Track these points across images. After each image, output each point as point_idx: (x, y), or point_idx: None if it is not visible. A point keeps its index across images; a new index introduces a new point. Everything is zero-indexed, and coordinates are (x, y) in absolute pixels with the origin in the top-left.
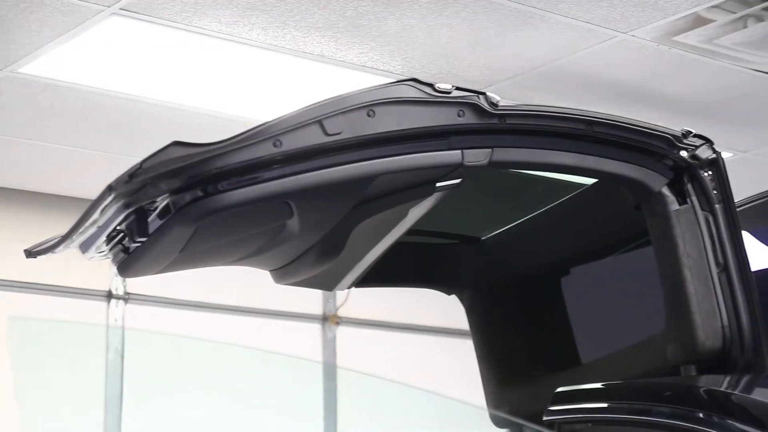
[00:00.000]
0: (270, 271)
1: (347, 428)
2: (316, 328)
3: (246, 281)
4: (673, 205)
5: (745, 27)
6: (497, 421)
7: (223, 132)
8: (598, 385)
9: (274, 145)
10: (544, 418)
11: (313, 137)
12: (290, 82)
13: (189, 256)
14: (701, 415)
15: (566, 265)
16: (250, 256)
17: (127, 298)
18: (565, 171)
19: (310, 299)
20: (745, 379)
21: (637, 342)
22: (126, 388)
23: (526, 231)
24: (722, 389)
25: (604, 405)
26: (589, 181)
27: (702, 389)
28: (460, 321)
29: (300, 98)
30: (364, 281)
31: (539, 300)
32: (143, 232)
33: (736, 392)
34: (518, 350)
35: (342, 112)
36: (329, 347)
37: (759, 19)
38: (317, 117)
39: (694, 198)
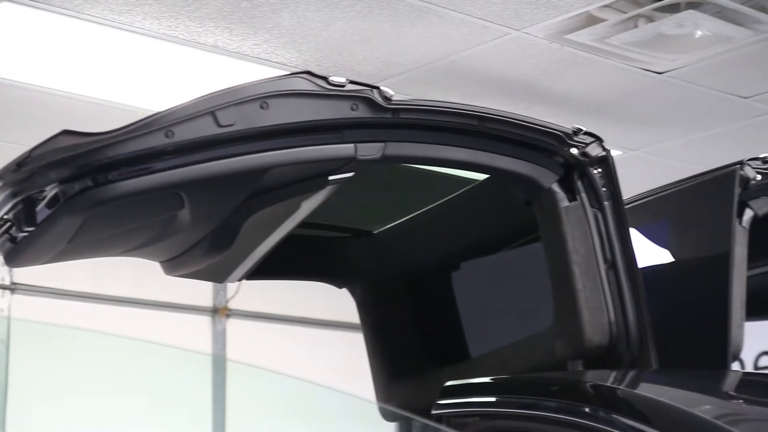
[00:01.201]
0: (160, 262)
1: (235, 421)
2: (205, 320)
3: (136, 272)
4: (563, 201)
5: (635, 27)
6: (386, 415)
7: (115, 122)
8: (487, 379)
9: (166, 136)
10: (433, 412)
11: (206, 128)
12: (184, 73)
13: (78, 246)
14: (587, 409)
15: (457, 259)
16: (140, 247)
17: (13, 288)
18: (457, 166)
19: (201, 291)
20: (630, 375)
21: (526, 337)
22: (11, 379)
23: (418, 225)
24: (608, 384)
25: (492, 399)
26: (481, 176)
27: (588, 384)
28: (351, 314)
29: (193, 89)
30: (256, 273)
31: (430, 294)
32: (31, 221)
33: (621, 387)
34: (408, 344)
35: (235, 104)
36: (219, 339)
37: (649, 19)
38: (210, 108)
39: (583, 195)
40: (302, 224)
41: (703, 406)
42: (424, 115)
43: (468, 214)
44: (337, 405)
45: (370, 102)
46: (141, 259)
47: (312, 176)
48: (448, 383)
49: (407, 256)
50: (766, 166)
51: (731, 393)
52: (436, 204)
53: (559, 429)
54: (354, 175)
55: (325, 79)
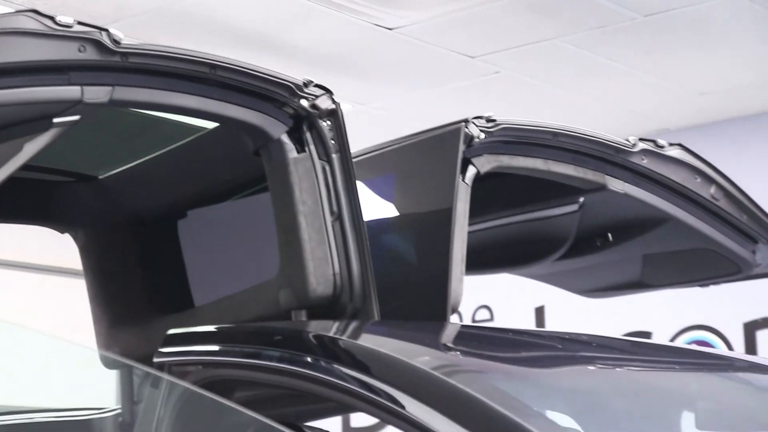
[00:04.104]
0: None
1: None
2: None
3: None
4: (291, 152)
5: None
6: (107, 363)
7: None
8: (210, 328)
9: None
10: (154, 360)
11: None
12: None
13: None
14: (309, 359)
15: (185, 207)
16: None
17: None
18: (187, 113)
19: None
20: (353, 326)
21: (251, 286)
22: None
23: (145, 171)
24: (330, 335)
25: (215, 348)
26: (211, 124)
27: (311, 334)
28: (74, 260)
29: None
30: None
31: (156, 242)
32: None
33: (343, 338)
34: (132, 291)
35: None
36: None
37: None
38: None
39: (312, 147)
40: (25, 167)
41: (422, 357)
42: (154, 60)
43: (197, 162)
44: (56, 352)
45: (98, 44)
46: None
47: (36, 118)
48: (171, 331)
49: (133, 202)
50: (489, 125)
51: (449, 344)
52: (164, 150)
53: (282, 378)
54: (80, 118)
55: (51, 18)
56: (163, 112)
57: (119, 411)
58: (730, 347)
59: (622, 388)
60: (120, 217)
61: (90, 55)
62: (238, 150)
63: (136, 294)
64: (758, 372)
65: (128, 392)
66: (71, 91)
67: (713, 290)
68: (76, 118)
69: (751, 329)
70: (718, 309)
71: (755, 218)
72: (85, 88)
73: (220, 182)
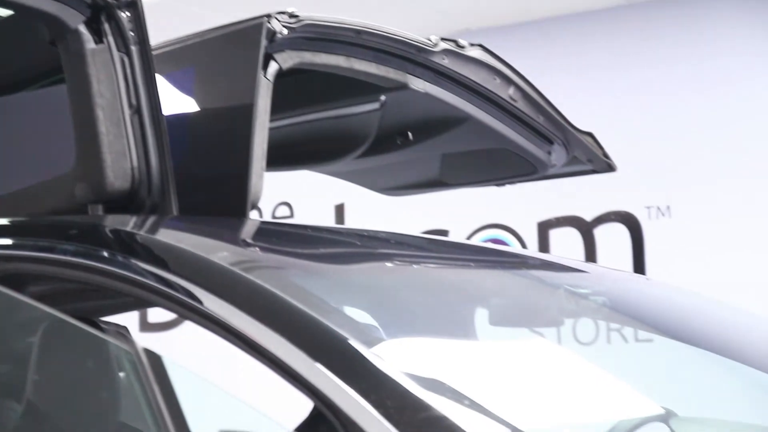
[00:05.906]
0: None
1: None
2: None
3: None
4: (89, 43)
5: None
6: None
7: None
8: (3, 221)
9: None
10: None
11: None
12: None
13: None
14: (105, 253)
15: None
16: None
17: None
18: None
19: None
20: (150, 220)
21: (47, 179)
22: None
23: None
24: (127, 229)
25: (8, 241)
26: (5, 12)
27: (108, 228)
28: None
29: None
30: None
31: None
32: None
33: (140, 232)
34: None
35: None
36: None
37: None
38: None
39: (110, 38)
40: None
41: (219, 253)
42: None
43: None
44: None
45: None
46: None
47: None
48: None
49: None
50: (292, 21)
51: (247, 240)
52: None
53: (77, 273)
54: None
55: None
56: None
57: None
58: (524, 245)
59: (419, 284)
60: None
61: None
62: (34, 39)
63: None
64: (550, 269)
65: None
66: None
67: (509, 190)
68: None
69: (544, 228)
70: (513, 208)
71: (551, 120)
72: None
73: (14, 72)
